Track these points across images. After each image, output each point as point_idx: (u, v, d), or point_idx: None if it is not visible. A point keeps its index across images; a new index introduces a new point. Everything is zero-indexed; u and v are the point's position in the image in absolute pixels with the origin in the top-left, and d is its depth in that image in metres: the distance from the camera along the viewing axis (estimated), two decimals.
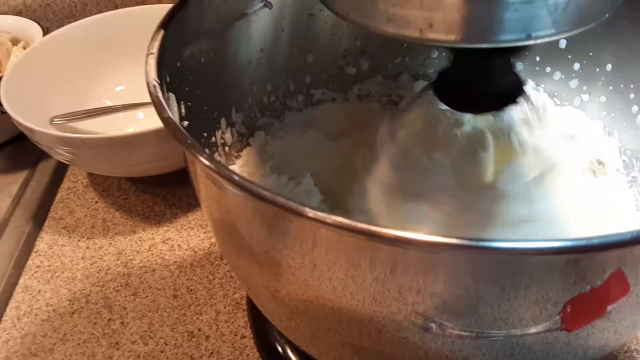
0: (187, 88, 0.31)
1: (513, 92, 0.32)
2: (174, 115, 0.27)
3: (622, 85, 0.37)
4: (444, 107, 0.33)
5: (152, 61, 0.27)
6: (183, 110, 0.30)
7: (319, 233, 0.22)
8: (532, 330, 0.24)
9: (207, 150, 0.30)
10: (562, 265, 0.21)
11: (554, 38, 0.23)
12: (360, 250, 0.21)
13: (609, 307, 0.23)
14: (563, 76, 0.40)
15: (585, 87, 0.40)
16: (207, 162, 0.21)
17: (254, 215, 0.24)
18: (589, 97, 0.40)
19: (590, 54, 0.38)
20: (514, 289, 0.22)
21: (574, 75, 0.40)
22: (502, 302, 0.22)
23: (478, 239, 0.18)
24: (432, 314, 0.23)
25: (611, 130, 0.39)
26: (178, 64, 0.30)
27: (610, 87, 0.38)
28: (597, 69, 0.38)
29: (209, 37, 0.34)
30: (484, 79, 0.30)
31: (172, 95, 0.28)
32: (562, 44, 0.40)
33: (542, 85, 0.42)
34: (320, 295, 0.25)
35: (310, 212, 0.19)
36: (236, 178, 0.21)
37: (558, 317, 0.23)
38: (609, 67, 0.38)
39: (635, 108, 0.37)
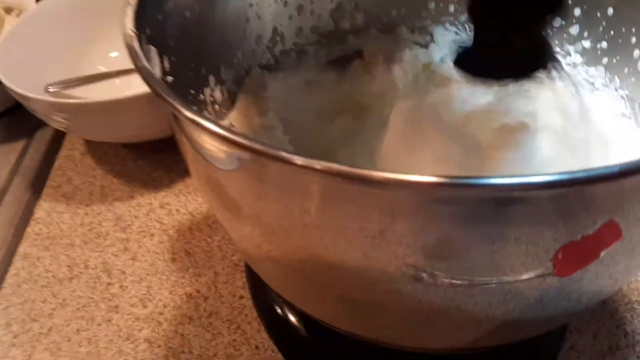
0: (170, 43, 0.30)
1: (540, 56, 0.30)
2: (153, 67, 0.26)
3: (623, 30, 0.36)
4: None
5: (130, 12, 0.26)
6: (167, 65, 0.29)
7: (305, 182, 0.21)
8: (524, 276, 0.23)
9: (194, 108, 0.29)
10: (551, 213, 0.20)
11: None
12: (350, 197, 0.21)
13: (602, 253, 0.22)
14: (564, 22, 0.39)
15: (586, 34, 0.38)
16: (180, 108, 0.21)
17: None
18: (590, 44, 0.38)
19: None
20: (503, 238, 0.21)
21: (574, 21, 0.38)
22: (492, 251, 0.22)
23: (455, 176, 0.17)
24: (423, 265, 0.23)
25: (612, 76, 0.37)
26: (160, 17, 0.29)
27: (612, 32, 0.36)
28: (598, 14, 0.37)
29: None
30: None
31: (152, 48, 0.27)
32: None
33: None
34: (313, 253, 0.24)
35: (285, 155, 0.18)
36: (208, 123, 0.20)
37: (550, 263, 0.22)
38: (610, 11, 0.36)
39: (637, 53, 0.35)
